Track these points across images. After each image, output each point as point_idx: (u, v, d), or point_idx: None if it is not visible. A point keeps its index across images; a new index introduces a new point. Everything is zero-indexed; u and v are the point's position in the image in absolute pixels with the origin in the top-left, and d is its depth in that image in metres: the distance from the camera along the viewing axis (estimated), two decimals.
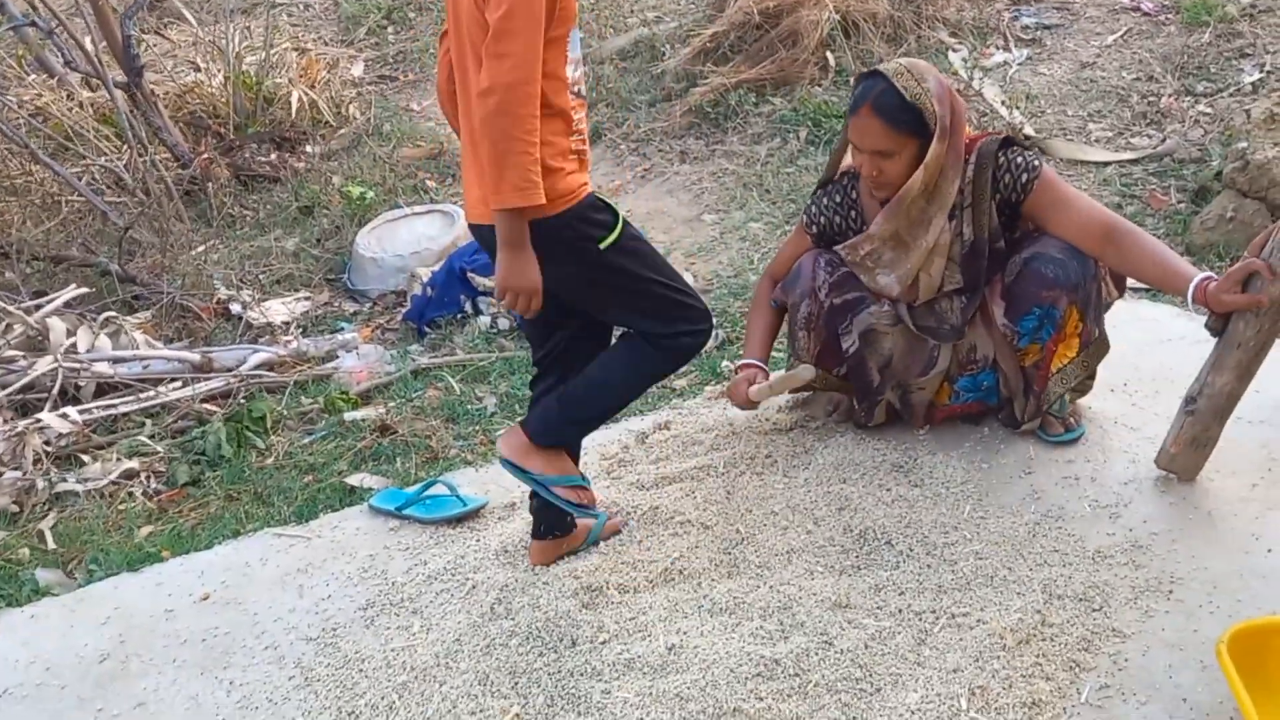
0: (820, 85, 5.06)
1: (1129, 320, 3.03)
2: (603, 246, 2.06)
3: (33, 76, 6.39)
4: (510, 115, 1.83)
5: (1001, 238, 2.54)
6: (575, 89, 2.00)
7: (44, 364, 3.43)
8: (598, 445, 2.86)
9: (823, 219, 2.67)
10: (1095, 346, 2.57)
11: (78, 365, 3.49)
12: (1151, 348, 2.96)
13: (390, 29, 8.36)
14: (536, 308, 2.02)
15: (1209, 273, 2.26)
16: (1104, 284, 2.55)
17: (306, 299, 4.39)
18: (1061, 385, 2.57)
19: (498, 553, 2.48)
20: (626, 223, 2.14)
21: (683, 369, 3.38)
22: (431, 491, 2.70)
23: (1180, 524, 2.30)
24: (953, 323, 2.59)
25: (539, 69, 1.85)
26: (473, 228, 2.17)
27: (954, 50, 5.15)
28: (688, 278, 4.04)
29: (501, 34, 1.82)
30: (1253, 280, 2.15)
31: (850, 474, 2.63)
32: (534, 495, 2.36)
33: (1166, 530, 2.29)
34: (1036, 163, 2.50)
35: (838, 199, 2.66)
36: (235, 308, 4.18)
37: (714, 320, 2.41)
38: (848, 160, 2.63)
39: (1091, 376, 2.63)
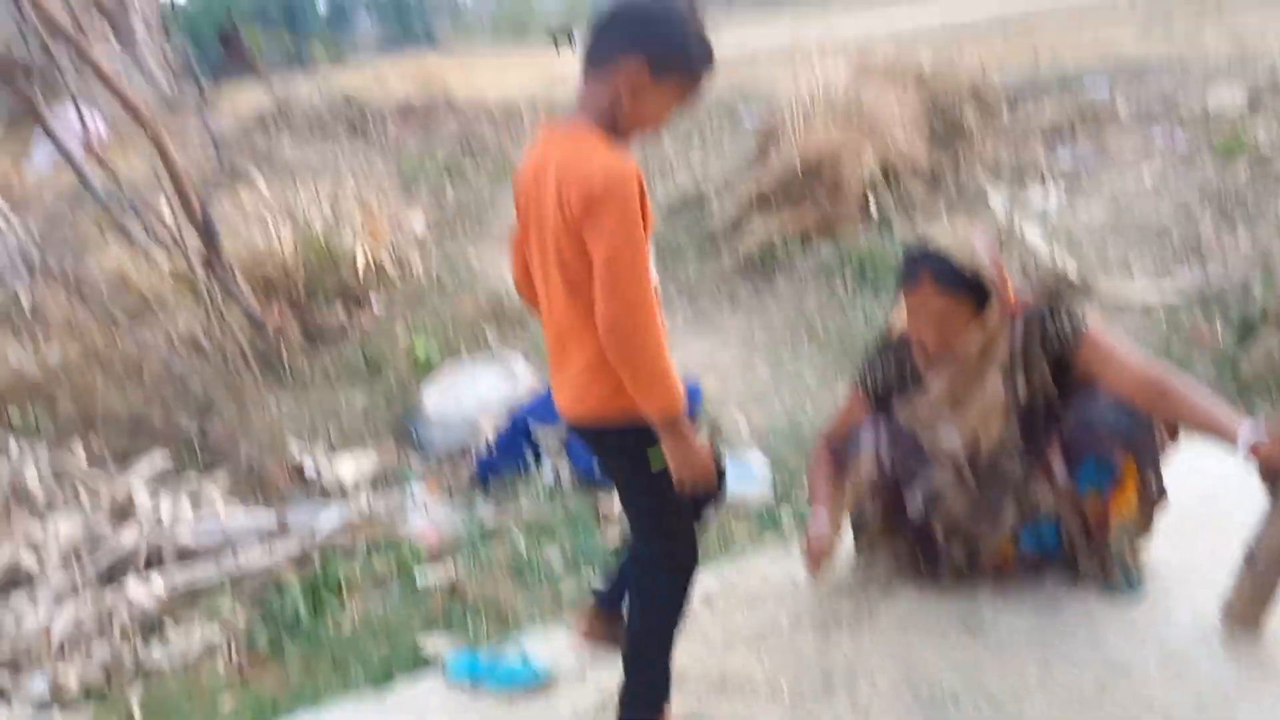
0: (864, 231, 5.22)
1: (1185, 466, 3.06)
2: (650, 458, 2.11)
3: (113, 244, 6.77)
4: (641, 337, 1.92)
5: (1055, 393, 2.62)
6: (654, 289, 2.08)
7: (129, 534, 3.59)
8: None
9: (879, 383, 2.77)
10: (1155, 497, 2.61)
11: (160, 533, 3.64)
12: (1211, 494, 2.98)
13: (450, 184, 8.76)
14: (712, 478, 2.11)
15: (1259, 426, 2.31)
16: (1159, 433, 2.60)
17: (375, 455, 4.54)
18: (1123, 536, 2.61)
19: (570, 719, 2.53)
20: None
21: (741, 518, 3.48)
22: (502, 655, 2.76)
23: (1247, 679, 2.31)
24: (1014, 478, 2.64)
25: (649, 284, 1.95)
26: (571, 426, 2.24)
27: (993, 193, 5.30)
28: (741, 423, 4.15)
29: (612, 265, 1.90)
30: None
31: (914, 630, 2.66)
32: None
33: (1234, 686, 2.29)
34: (1082, 321, 2.58)
35: (892, 362, 2.75)
36: (308, 466, 4.33)
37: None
38: (899, 319, 2.75)
39: (1151, 528, 2.66)
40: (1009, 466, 2.64)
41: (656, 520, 2.28)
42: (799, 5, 24.83)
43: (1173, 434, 2.69)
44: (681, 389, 1.99)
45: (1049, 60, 7.89)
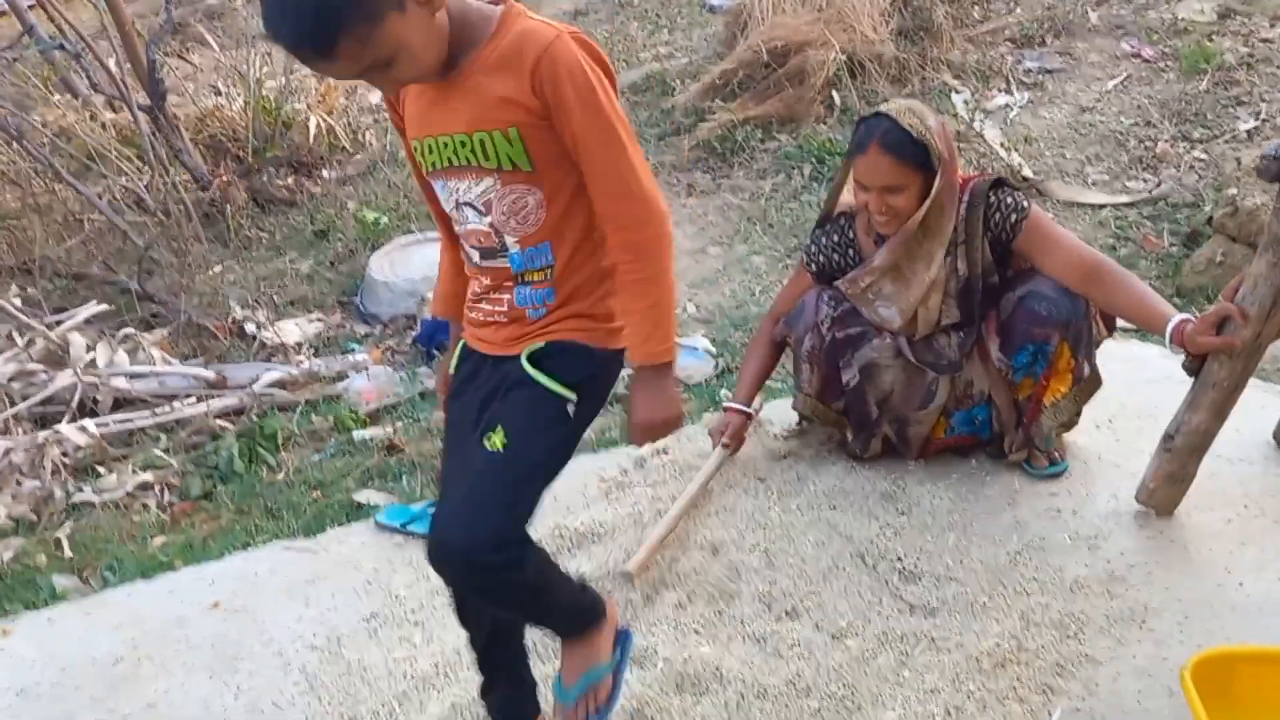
0: (825, 123, 5.18)
1: (1117, 358, 3.11)
2: None
3: (57, 97, 6.54)
4: None
5: (995, 274, 2.64)
6: (465, 242, 1.78)
7: (64, 378, 3.54)
8: (597, 469, 2.95)
9: (821, 257, 2.78)
10: (1087, 383, 2.66)
11: (96, 380, 3.59)
12: (1138, 386, 3.05)
13: None
14: None
15: (1187, 315, 2.36)
16: (1095, 322, 2.65)
17: (319, 320, 4.49)
18: (1053, 419, 2.66)
19: None
20: None
21: (684, 395, 3.50)
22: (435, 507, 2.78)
23: (1156, 556, 2.39)
24: (951, 357, 2.68)
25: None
26: None
27: (957, 92, 5.26)
28: (690, 309, 4.15)
29: None
30: (1226, 324, 2.24)
31: (840, 501, 2.72)
32: None
33: (1143, 562, 2.38)
34: (1025, 203, 2.60)
35: (835, 238, 2.76)
36: (250, 327, 4.28)
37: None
38: (844, 199, 2.75)
39: (1078, 412, 2.72)
40: (945, 344, 2.68)
41: None
42: None
43: (1109, 327, 2.74)
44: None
45: None
